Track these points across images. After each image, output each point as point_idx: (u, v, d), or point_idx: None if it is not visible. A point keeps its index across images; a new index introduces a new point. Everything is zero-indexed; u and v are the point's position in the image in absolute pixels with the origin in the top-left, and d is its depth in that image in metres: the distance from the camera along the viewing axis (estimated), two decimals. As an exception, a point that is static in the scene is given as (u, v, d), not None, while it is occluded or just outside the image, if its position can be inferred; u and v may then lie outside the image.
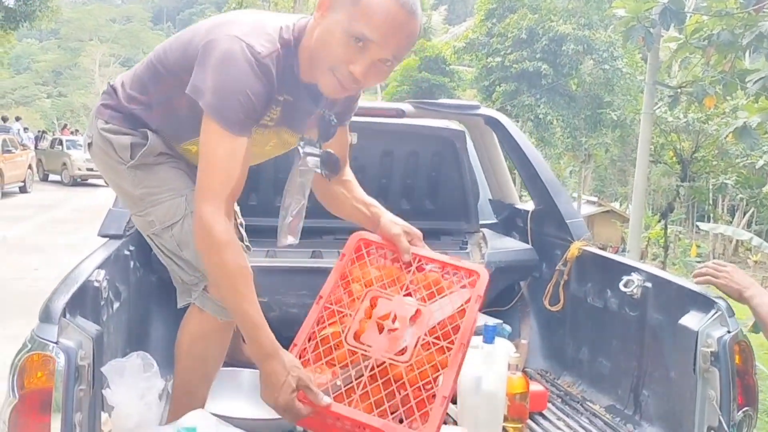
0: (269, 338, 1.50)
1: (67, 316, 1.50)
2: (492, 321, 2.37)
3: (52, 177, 20.34)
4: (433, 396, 1.48)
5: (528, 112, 19.37)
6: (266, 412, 1.96)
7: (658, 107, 12.98)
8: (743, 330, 1.73)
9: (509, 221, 3.04)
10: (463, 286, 1.65)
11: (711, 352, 1.65)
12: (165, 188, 1.74)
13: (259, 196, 2.76)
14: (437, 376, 1.51)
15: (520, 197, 3.47)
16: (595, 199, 26.51)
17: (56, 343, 1.42)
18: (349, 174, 1.94)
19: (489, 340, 1.88)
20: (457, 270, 1.70)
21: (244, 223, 2.19)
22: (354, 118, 2.29)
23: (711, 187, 17.99)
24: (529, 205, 2.94)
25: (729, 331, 1.66)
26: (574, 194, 25.75)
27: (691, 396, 1.70)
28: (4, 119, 21.20)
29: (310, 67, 1.58)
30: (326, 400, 1.46)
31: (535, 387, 2.13)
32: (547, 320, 2.59)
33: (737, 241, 20.32)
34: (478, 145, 3.12)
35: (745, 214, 24.01)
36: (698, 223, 14.27)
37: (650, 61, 11.11)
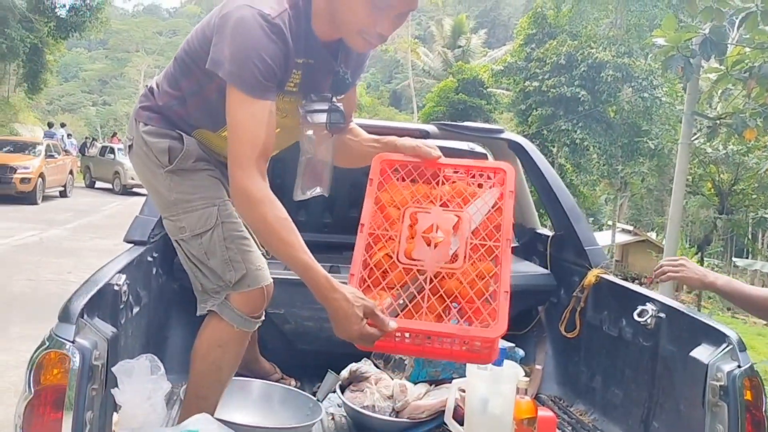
0: (325, 277, 1.53)
1: (85, 316, 1.55)
2: (503, 343, 2.36)
3: (99, 184, 20.73)
4: (493, 295, 1.57)
5: (564, 137, 19.29)
6: (272, 422, 2.01)
7: (697, 138, 12.80)
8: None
9: (530, 245, 3.03)
10: (493, 185, 1.72)
11: (720, 386, 1.63)
12: (199, 196, 1.79)
13: None
14: (493, 275, 1.59)
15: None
16: (630, 228, 26.11)
17: (73, 342, 1.47)
18: (352, 124, 1.99)
19: (498, 362, 1.88)
20: (483, 171, 1.76)
21: None
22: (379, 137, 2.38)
23: (750, 221, 17.60)
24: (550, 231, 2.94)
25: (739, 366, 1.63)
26: (609, 222, 25.40)
27: (699, 430, 1.68)
28: (50, 125, 21.85)
29: (330, 27, 1.64)
30: (392, 324, 1.52)
31: (544, 413, 2.12)
32: (563, 346, 2.58)
33: (777, 277, 19.79)
34: (501, 168, 3.13)
35: (785, 250, 23.41)
36: (734, 259, 13.96)
37: (689, 92, 10.99)
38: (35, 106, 30.77)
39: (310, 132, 1.77)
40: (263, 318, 1.87)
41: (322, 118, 1.75)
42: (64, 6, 19.57)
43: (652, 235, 25.07)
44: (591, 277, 2.39)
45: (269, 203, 1.55)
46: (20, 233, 10.38)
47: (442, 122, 2.99)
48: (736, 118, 6.98)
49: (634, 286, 2.27)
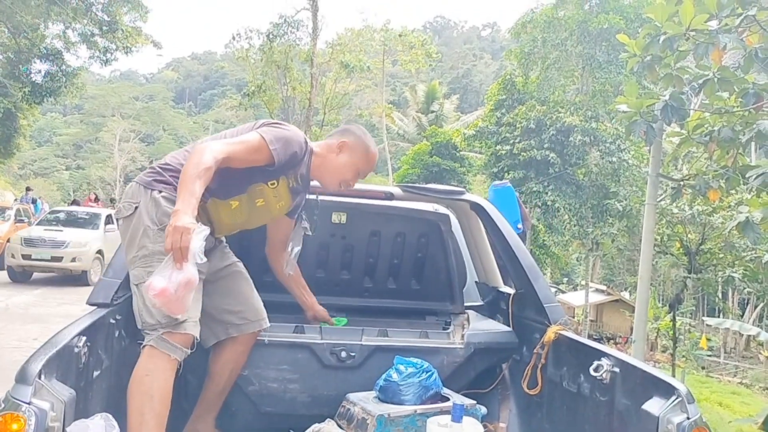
0: (192, 206, 1.94)
1: (42, 378, 1.56)
2: (461, 400, 2.38)
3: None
4: None
5: (536, 199, 19.61)
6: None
7: (662, 199, 13.11)
8: (753, 426, 1.75)
9: (493, 304, 3.09)
10: None
11: (671, 438, 1.67)
12: None
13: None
14: None
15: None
16: (603, 287, 26.30)
17: (29, 403, 1.48)
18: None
19: (457, 419, 1.90)
20: None
21: None
22: (344, 199, 2.80)
23: (719, 279, 17.83)
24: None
25: (688, 418, 1.68)
26: (582, 282, 25.59)
27: (654, 482, 1.71)
28: (28, 189, 21.65)
29: (316, 171, 2.44)
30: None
31: (507, 470, 2.13)
32: (527, 403, 2.60)
33: (749, 335, 19.98)
34: (465, 229, 3.21)
35: (755, 308, 23.69)
36: (705, 318, 14.09)
37: (653, 154, 11.33)
38: (7, 171, 30.50)
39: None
40: (189, 352, 2.10)
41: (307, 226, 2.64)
42: (40, 72, 19.64)
43: (626, 295, 25.26)
44: (550, 333, 2.43)
45: (212, 158, 2.05)
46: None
47: (406, 184, 3.08)
48: (699, 179, 7.19)
49: (590, 342, 2.32)
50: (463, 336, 2.73)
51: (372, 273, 3.04)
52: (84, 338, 1.87)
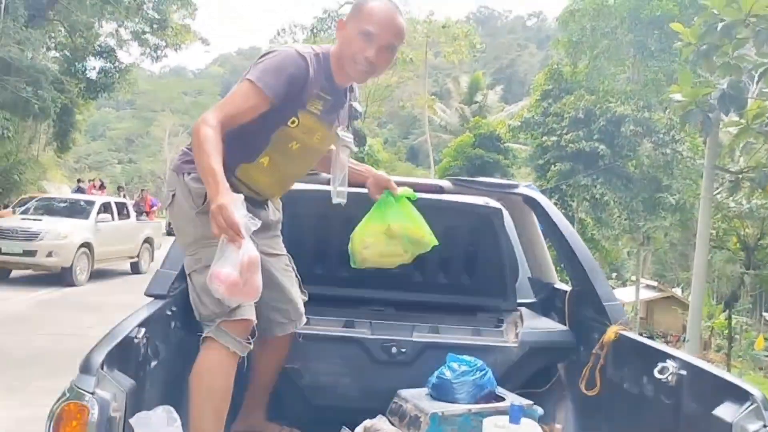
0: (220, 183, 1.83)
1: (105, 368, 1.58)
2: (518, 400, 2.32)
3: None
4: None
5: (584, 192, 19.26)
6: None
7: (719, 192, 12.72)
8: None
9: (548, 301, 3.01)
10: None
11: (745, 446, 1.59)
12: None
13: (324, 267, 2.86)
14: None
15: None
16: (655, 283, 25.67)
17: (92, 393, 1.50)
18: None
19: (515, 420, 1.85)
20: None
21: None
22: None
23: (778, 276, 17.24)
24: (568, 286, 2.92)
25: (765, 425, 1.59)
26: (632, 277, 25.02)
27: (724, 492, 1.63)
28: (80, 181, 22.39)
29: (339, 70, 2.13)
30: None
31: (565, 473, 2.07)
32: (584, 405, 2.52)
33: (808, 335, 19.24)
34: (517, 223, 3.15)
35: (817, 308, 22.82)
36: (765, 314, 13.60)
37: (709, 146, 10.96)
38: (63, 165, 31.49)
39: (346, 153, 2.34)
40: (251, 346, 2.06)
41: (350, 141, 2.31)
42: (94, 68, 20.41)
43: (678, 291, 24.60)
44: (610, 333, 2.35)
45: (206, 128, 1.91)
46: (43, 288, 10.49)
47: (457, 177, 3.04)
48: (759, 172, 6.95)
49: (654, 343, 2.23)
50: (517, 334, 2.67)
51: (422, 267, 3.00)
52: (143, 330, 1.89)
